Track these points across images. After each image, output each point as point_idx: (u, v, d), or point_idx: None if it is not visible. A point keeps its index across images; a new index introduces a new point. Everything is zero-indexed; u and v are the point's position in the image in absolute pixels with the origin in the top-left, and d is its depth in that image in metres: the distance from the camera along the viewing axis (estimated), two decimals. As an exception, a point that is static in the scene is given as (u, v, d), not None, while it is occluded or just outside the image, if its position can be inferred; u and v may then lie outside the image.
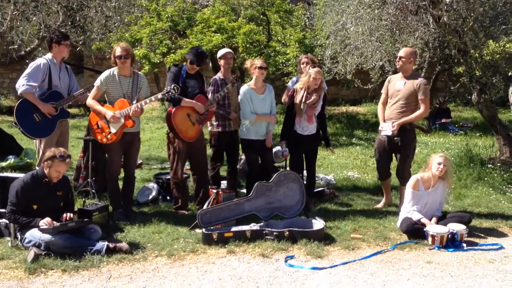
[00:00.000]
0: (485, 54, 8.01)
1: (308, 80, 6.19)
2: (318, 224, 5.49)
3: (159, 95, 5.77)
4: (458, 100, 16.14)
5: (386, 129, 6.17)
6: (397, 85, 6.21)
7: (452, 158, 8.79)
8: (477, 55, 7.78)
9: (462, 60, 7.97)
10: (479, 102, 8.13)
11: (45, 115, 5.87)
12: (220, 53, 6.70)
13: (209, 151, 6.82)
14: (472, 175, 7.87)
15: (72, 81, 6.25)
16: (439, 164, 5.54)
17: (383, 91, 6.42)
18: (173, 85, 5.74)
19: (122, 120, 5.71)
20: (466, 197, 7.04)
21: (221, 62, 6.65)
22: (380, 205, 6.58)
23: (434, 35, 8.57)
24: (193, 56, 6.15)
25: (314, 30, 12.04)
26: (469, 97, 9.44)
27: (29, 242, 4.79)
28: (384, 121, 6.28)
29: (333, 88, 17.72)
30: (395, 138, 6.14)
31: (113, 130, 5.74)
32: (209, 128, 6.71)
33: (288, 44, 12.25)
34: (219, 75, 6.64)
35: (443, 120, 13.65)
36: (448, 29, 7.47)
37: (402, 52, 6.20)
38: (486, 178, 7.72)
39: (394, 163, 6.54)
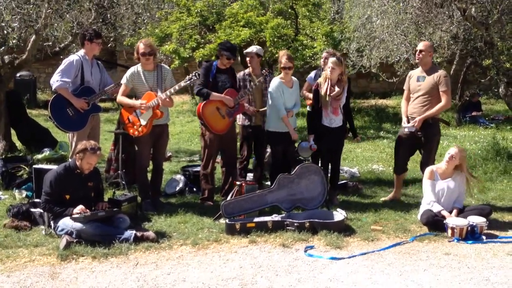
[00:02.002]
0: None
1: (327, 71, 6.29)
2: (338, 215, 5.61)
3: (182, 83, 5.96)
4: (490, 93, 15.91)
5: (409, 125, 6.22)
6: (418, 80, 6.26)
7: (479, 152, 8.78)
8: (504, 47, 7.72)
9: (488, 53, 7.92)
10: (506, 94, 8.07)
11: (78, 110, 6.15)
12: (247, 51, 6.90)
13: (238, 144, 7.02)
14: (498, 169, 7.85)
15: (104, 77, 6.52)
16: (449, 154, 5.62)
17: (405, 87, 6.47)
18: (194, 72, 5.96)
19: (151, 111, 5.93)
20: (490, 190, 7.04)
21: (247, 59, 6.86)
22: (387, 198, 6.60)
23: (462, 28, 8.52)
24: (228, 52, 6.32)
25: (342, 23, 12.07)
26: (496, 90, 9.35)
27: (62, 230, 5.05)
28: (407, 116, 6.33)
29: (362, 81, 17.70)
30: (418, 133, 6.19)
31: (143, 122, 5.96)
32: (238, 122, 6.91)
33: (315, 37, 12.30)
34: (246, 71, 6.83)
35: (474, 113, 13.52)
36: (474, 22, 7.44)
37: (422, 45, 6.24)
38: (512, 172, 7.70)
39: (413, 158, 6.57)
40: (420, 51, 6.20)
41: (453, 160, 5.62)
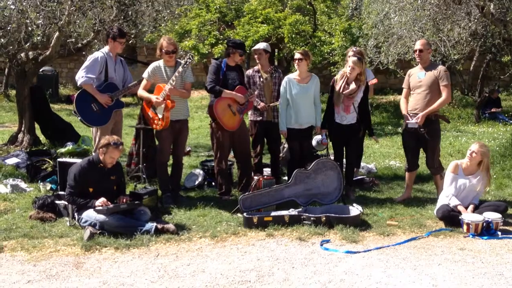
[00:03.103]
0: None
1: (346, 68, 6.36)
2: (354, 210, 5.70)
3: (180, 68, 6.03)
4: (510, 89, 15.79)
5: (412, 121, 6.27)
6: (418, 76, 6.32)
7: (497, 148, 8.77)
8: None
9: (507, 50, 7.91)
10: (525, 91, 8.05)
11: (102, 105, 6.33)
12: (254, 48, 7.04)
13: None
14: (516, 165, 7.85)
15: (126, 73, 6.68)
16: (470, 150, 5.68)
17: (405, 85, 6.53)
18: (188, 54, 6.07)
19: (163, 104, 6.06)
20: (508, 187, 7.05)
21: (255, 56, 6.98)
22: (399, 198, 6.53)
23: (481, 24, 8.52)
24: (241, 50, 6.47)
25: (361, 19, 12.10)
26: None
27: (85, 222, 5.22)
28: (408, 113, 6.38)
29: (381, 77, 17.66)
30: (421, 130, 6.24)
31: (159, 115, 6.10)
32: (249, 118, 7.03)
33: (333, 34, 12.35)
34: (255, 67, 6.94)
35: (493, 110, 13.47)
36: (492, 19, 7.44)
37: (419, 44, 6.29)
38: (530, 169, 7.69)
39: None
40: (419, 50, 6.27)
41: (474, 156, 5.66)
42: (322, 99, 7.86)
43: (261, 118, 6.88)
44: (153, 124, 6.22)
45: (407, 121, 6.38)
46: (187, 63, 6.01)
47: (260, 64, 6.93)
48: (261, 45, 6.97)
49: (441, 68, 6.27)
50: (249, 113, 6.93)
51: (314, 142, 6.95)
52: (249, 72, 6.91)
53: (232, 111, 6.40)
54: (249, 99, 6.50)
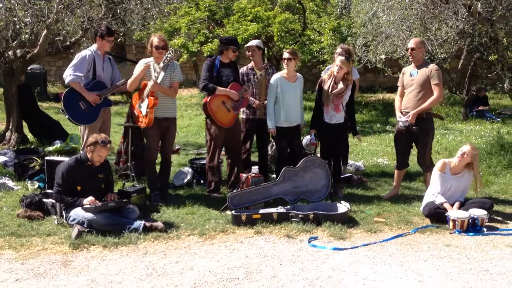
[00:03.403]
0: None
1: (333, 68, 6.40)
2: (342, 207, 5.74)
3: (161, 64, 6.00)
4: (498, 87, 15.93)
5: (402, 119, 6.32)
6: (411, 75, 6.37)
7: (484, 146, 8.87)
8: (508, 43, 7.79)
9: (493, 48, 7.99)
10: (511, 89, 8.15)
11: (90, 104, 6.31)
12: (247, 45, 7.04)
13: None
14: (502, 163, 7.94)
15: (115, 72, 6.67)
16: (461, 151, 5.72)
17: (399, 83, 6.57)
18: (169, 50, 6.06)
19: (147, 101, 6.04)
20: (494, 184, 7.14)
21: (248, 54, 6.98)
22: (387, 195, 6.59)
23: (469, 23, 8.59)
24: (234, 46, 6.49)
25: (350, 18, 12.16)
26: (502, 85, 9.42)
27: (73, 220, 5.21)
28: (401, 111, 6.43)
29: (370, 75, 17.80)
30: (413, 128, 6.29)
31: (143, 112, 6.10)
32: (241, 115, 7.04)
33: (323, 32, 12.39)
34: (249, 65, 6.96)
35: (480, 108, 13.58)
36: (479, 18, 7.51)
37: (412, 43, 6.33)
38: (516, 166, 7.78)
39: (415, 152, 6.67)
40: (412, 49, 6.31)
41: (464, 158, 5.73)
42: (312, 97, 7.88)
43: (253, 116, 6.90)
44: (138, 122, 6.23)
45: (398, 119, 6.43)
46: (167, 57, 6.00)
47: (254, 61, 6.94)
48: (254, 42, 6.99)
49: (432, 67, 6.30)
50: (242, 110, 6.94)
51: (304, 142, 6.96)
52: (243, 69, 6.92)
53: (227, 108, 6.41)
54: (244, 95, 6.52)
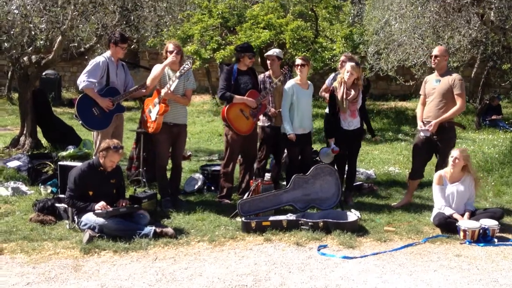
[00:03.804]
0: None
1: (343, 73, 6.43)
2: (352, 216, 5.74)
3: (178, 73, 6.10)
4: (511, 96, 15.83)
5: (424, 129, 6.30)
6: (433, 84, 6.34)
7: (496, 156, 8.81)
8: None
9: (506, 57, 7.95)
10: (524, 99, 8.09)
11: (103, 109, 6.38)
12: (267, 53, 7.07)
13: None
14: (515, 173, 7.88)
15: (128, 78, 6.73)
16: (452, 157, 5.73)
17: (421, 92, 6.53)
18: (187, 61, 6.13)
19: (158, 107, 6.12)
20: (506, 194, 7.08)
21: (268, 62, 7.03)
22: (398, 204, 6.57)
23: (481, 32, 8.57)
24: (250, 53, 6.58)
25: (362, 26, 12.16)
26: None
27: (85, 225, 5.27)
28: (422, 120, 6.40)
29: (382, 83, 17.75)
30: (434, 137, 6.26)
31: (152, 118, 6.16)
32: (258, 123, 7.08)
33: (335, 40, 12.41)
34: (266, 73, 7.00)
35: (494, 117, 13.51)
36: (492, 27, 7.49)
37: (437, 50, 6.31)
38: (528, 176, 7.72)
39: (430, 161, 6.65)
40: (436, 56, 6.27)
41: (457, 163, 5.72)
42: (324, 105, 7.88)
43: (269, 123, 6.93)
44: (146, 127, 6.30)
45: (420, 128, 6.41)
46: (185, 68, 6.07)
47: (272, 70, 6.99)
48: (275, 51, 7.03)
49: (455, 76, 6.25)
50: (259, 118, 6.97)
51: (323, 154, 6.85)
52: (261, 77, 6.97)
53: (245, 116, 6.47)
54: (262, 102, 6.56)
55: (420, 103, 6.56)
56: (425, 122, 6.37)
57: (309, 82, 6.79)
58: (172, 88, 6.10)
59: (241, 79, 6.54)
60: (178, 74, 6.09)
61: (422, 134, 6.34)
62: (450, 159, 5.77)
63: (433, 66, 6.39)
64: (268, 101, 6.85)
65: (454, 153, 5.77)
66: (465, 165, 5.75)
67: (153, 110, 6.18)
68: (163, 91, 6.09)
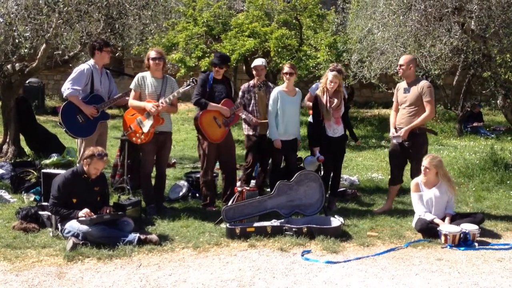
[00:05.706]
0: (510, 60, 8.12)
1: (325, 82, 6.51)
2: (335, 221, 5.79)
3: (181, 90, 6.22)
4: (492, 104, 16.07)
5: (395, 135, 6.41)
6: (404, 92, 6.46)
7: (477, 162, 8.94)
8: (501, 60, 7.91)
9: (487, 65, 8.10)
10: (504, 106, 8.25)
11: (88, 117, 6.38)
12: (253, 63, 7.14)
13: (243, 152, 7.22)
14: (495, 178, 8.00)
15: (112, 85, 6.76)
16: (423, 167, 5.86)
17: (394, 98, 6.67)
18: (191, 78, 6.22)
19: (152, 119, 6.15)
20: (486, 199, 7.19)
21: (254, 72, 7.08)
22: (378, 210, 6.64)
23: (462, 40, 8.71)
24: (216, 59, 6.66)
25: (345, 34, 12.28)
26: (495, 102, 9.53)
27: (69, 232, 5.26)
28: (395, 127, 6.51)
29: (366, 91, 17.94)
30: (406, 143, 6.37)
31: (144, 130, 6.18)
32: (243, 132, 7.12)
33: (319, 48, 12.52)
34: (251, 82, 7.04)
35: (475, 124, 13.71)
36: (472, 35, 7.63)
37: (402, 60, 6.44)
38: (508, 182, 7.84)
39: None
40: (400, 65, 6.42)
41: (428, 172, 5.83)
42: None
43: (254, 132, 6.97)
44: (133, 137, 6.28)
45: (392, 135, 6.51)
46: (189, 85, 6.15)
47: (261, 80, 7.00)
48: (262, 61, 7.07)
49: (424, 83, 6.37)
50: (244, 127, 7.03)
51: (308, 163, 6.89)
52: (245, 86, 7.01)
53: (218, 124, 6.51)
54: (236, 112, 6.61)
55: (393, 110, 6.68)
56: (397, 128, 6.47)
57: (297, 89, 6.85)
58: (168, 102, 6.17)
59: (216, 87, 6.61)
60: (181, 90, 6.22)
61: (394, 140, 6.47)
62: (422, 169, 5.87)
63: (399, 75, 6.52)
64: (253, 110, 6.90)
65: (424, 162, 5.87)
66: (436, 172, 5.84)
67: (145, 122, 6.18)
68: (161, 106, 6.11)
